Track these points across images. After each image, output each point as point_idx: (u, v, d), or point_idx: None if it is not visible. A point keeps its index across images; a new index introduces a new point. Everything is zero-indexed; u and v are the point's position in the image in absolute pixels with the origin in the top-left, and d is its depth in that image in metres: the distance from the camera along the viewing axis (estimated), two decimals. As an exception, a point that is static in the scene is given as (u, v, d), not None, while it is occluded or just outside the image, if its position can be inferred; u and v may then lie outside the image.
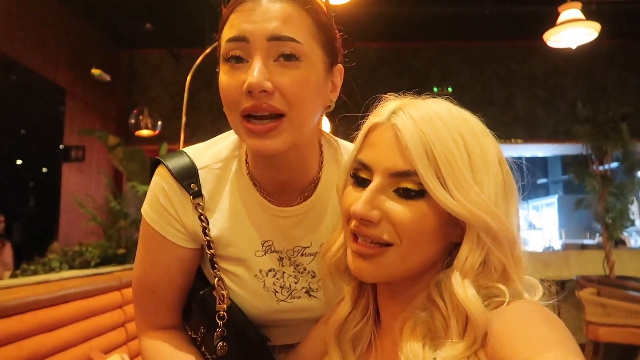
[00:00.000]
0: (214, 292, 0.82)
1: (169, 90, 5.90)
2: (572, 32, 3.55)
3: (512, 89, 6.04)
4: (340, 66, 0.79)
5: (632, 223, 4.72)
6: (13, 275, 2.22)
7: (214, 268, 0.82)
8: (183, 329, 0.90)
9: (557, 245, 7.37)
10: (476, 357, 0.55)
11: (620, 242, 5.62)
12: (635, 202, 4.61)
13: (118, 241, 2.80)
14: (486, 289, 0.59)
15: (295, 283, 0.84)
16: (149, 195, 0.84)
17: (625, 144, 4.34)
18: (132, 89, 6.08)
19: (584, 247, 5.97)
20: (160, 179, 0.82)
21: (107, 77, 4.85)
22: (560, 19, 3.52)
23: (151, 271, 0.84)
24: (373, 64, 6.02)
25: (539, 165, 11.93)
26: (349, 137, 0.74)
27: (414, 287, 0.65)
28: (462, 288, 0.57)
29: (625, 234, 5.53)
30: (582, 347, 3.68)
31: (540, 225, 10.57)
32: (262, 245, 0.82)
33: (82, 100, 5.16)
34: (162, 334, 0.86)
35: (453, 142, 0.58)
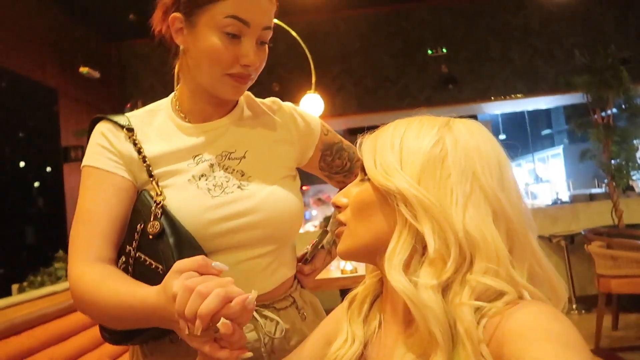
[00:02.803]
0: (148, 192, 0.91)
1: (161, 79, 5.83)
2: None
3: (508, 42, 5.90)
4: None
5: (639, 169, 4.65)
6: (21, 289, 2.25)
7: (150, 176, 0.92)
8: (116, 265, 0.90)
9: (565, 196, 7.33)
10: (482, 356, 0.53)
11: (629, 189, 5.56)
12: (640, 148, 4.54)
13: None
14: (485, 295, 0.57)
15: (227, 181, 0.95)
16: (87, 148, 0.95)
17: (627, 90, 4.25)
18: (125, 82, 6.02)
19: (592, 196, 5.93)
20: (100, 126, 0.96)
21: (96, 74, 4.80)
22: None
23: (89, 204, 0.89)
24: (364, 31, 5.89)
25: (542, 116, 11.79)
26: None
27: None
28: (389, 270, 0.61)
29: (633, 179, 5.46)
30: (596, 298, 3.71)
31: (548, 177, 10.52)
32: (194, 159, 0.95)
33: (75, 99, 5.12)
34: (98, 264, 0.85)
35: (393, 137, 0.68)
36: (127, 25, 5.25)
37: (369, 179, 0.69)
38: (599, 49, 4.40)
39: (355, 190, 0.71)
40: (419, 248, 0.61)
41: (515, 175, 0.65)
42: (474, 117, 8.76)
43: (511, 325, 0.52)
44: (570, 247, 4.45)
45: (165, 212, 0.87)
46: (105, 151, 0.92)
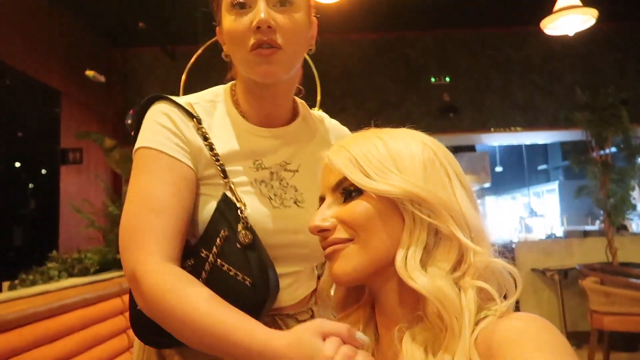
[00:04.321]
0: (228, 196, 0.86)
1: (164, 88, 5.78)
2: (570, 19, 3.51)
3: (510, 76, 5.99)
4: (315, 19, 0.94)
5: (634, 208, 4.69)
6: (12, 286, 2.21)
7: (225, 177, 0.87)
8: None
9: (559, 232, 7.36)
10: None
11: (622, 228, 5.60)
12: (637, 188, 4.58)
13: (117, 246, 2.78)
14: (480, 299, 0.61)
15: (284, 193, 0.93)
16: (144, 126, 0.87)
17: (626, 129, 4.31)
18: (128, 89, 6.03)
19: (586, 233, 5.95)
20: (160, 105, 0.88)
21: (102, 78, 4.81)
22: (557, 6, 3.48)
23: (159, 191, 0.81)
24: (369, 55, 5.96)
25: (539, 151, 11.92)
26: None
27: (394, 289, 0.68)
28: (406, 272, 0.62)
29: (628, 218, 5.50)
30: (587, 335, 3.69)
31: (542, 212, 10.57)
32: (254, 163, 0.92)
33: (77, 101, 5.13)
34: (174, 268, 0.77)
35: (373, 146, 0.68)
36: (134, 32, 5.30)
37: (357, 194, 0.67)
38: (600, 89, 4.47)
39: (345, 210, 0.67)
40: (430, 243, 0.64)
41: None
42: (472, 147, 8.83)
43: (503, 335, 0.54)
44: (563, 281, 4.44)
45: (248, 219, 0.84)
46: (171, 135, 0.86)
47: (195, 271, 0.82)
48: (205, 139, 0.87)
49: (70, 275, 2.32)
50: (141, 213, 0.80)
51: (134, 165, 0.86)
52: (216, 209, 0.85)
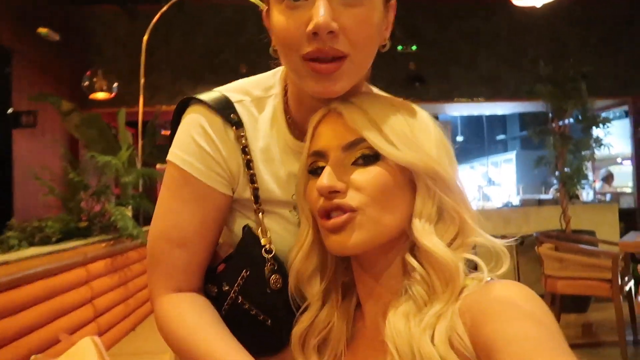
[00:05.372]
0: (252, 231, 0.78)
1: (125, 49, 5.58)
2: (538, -10, 3.54)
3: (477, 47, 6.04)
4: (394, 2, 0.74)
5: (586, 178, 4.91)
6: (-31, 257, 2.10)
7: (256, 202, 0.77)
8: (202, 291, 0.81)
9: (516, 200, 7.64)
10: (457, 334, 0.56)
11: (574, 197, 5.87)
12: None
13: (79, 214, 2.69)
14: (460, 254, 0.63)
15: None
16: (179, 137, 0.77)
17: (584, 102, 4.45)
18: (86, 49, 5.73)
19: (540, 202, 6.21)
20: (196, 115, 0.76)
21: (56, 37, 4.54)
22: (526, -22, 3.50)
23: (183, 222, 0.75)
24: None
25: (498, 122, 12.21)
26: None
27: (392, 269, 0.67)
28: (425, 235, 0.62)
29: (580, 188, 5.76)
30: (541, 297, 3.88)
31: (499, 181, 10.91)
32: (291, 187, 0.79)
33: (31, 61, 4.84)
34: (188, 296, 0.77)
35: (390, 109, 0.66)
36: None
37: (374, 159, 0.63)
38: (562, 62, 4.58)
39: (363, 176, 0.63)
40: (434, 217, 0.65)
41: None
42: (435, 117, 8.95)
43: (485, 304, 0.55)
44: (519, 248, 4.65)
45: (276, 258, 0.76)
46: (207, 157, 0.75)
47: (216, 302, 0.79)
48: (245, 152, 0.76)
49: (31, 244, 2.23)
50: (162, 243, 0.77)
51: (165, 176, 0.78)
52: (240, 242, 0.78)
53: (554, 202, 5.66)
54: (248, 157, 0.76)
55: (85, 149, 3.60)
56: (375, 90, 0.83)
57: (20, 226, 2.31)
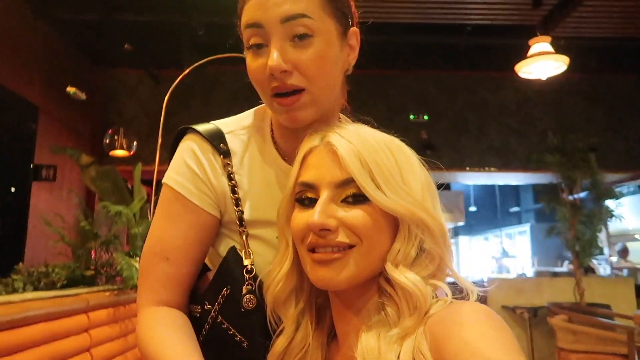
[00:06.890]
0: (237, 251, 0.82)
1: (146, 111, 5.85)
2: (543, 64, 3.69)
3: (485, 118, 6.19)
4: (355, 29, 0.82)
5: (601, 251, 4.82)
6: (-27, 297, 2.11)
7: (241, 225, 0.82)
8: (186, 309, 0.84)
9: (530, 272, 7.47)
10: (420, 354, 0.57)
11: (589, 270, 5.73)
12: (604, 230, 4.72)
13: (87, 262, 2.72)
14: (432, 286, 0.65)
15: None
16: (174, 161, 0.85)
17: (594, 174, 4.47)
18: (108, 109, 6.01)
19: (555, 274, 6.07)
20: (190, 142, 0.84)
21: (83, 96, 4.79)
22: (530, 52, 3.65)
23: (168, 236, 0.81)
24: (350, 90, 6.09)
25: (512, 193, 12.18)
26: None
27: (366, 293, 0.69)
28: (398, 273, 0.64)
29: (594, 261, 5.64)
30: (555, 374, 3.72)
31: (514, 252, 10.71)
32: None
33: (55, 118, 5.07)
34: (165, 310, 0.80)
35: (381, 150, 0.67)
36: (119, 53, 5.33)
37: (364, 199, 0.65)
38: (570, 134, 4.67)
39: (354, 216, 0.65)
40: (414, 254, 0.67)
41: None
42: (447, 185, 9.00)
43: (448, 326, 0.57)
44: (533, 320, 4.49)
45: (255, 279, 0.79)
46: (196, 179, 0.82)
47: (199, 322, 0.81)
48: (230, 178, 0.83)
49: (36, 288, 2.24)
50: (149, 256, 0.82)
51: (160, 197, 0.85)
52: (223, 261, 0.82)
53: (568, 274, 5.54)
54: (233, 182, 0.83)
55: (100, 202, 3.68)
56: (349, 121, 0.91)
57: (27, 270, 2.34)
